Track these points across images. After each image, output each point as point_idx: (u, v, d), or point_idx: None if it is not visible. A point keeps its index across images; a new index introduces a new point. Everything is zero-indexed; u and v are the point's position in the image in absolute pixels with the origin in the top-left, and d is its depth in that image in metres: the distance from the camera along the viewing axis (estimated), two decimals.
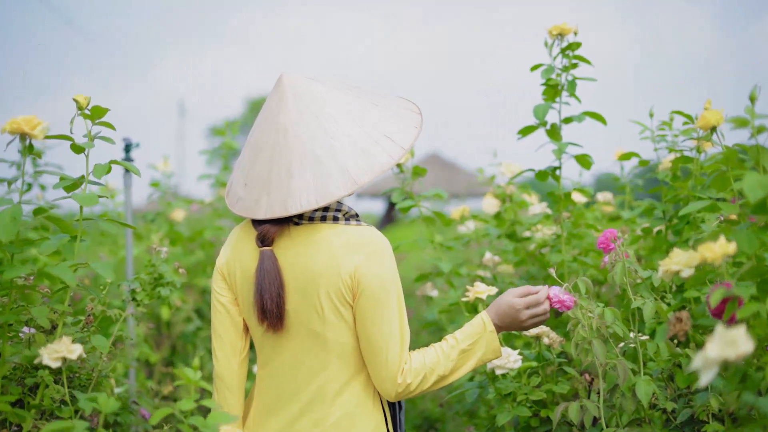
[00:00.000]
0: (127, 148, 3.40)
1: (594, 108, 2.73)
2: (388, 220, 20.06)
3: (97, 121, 2.04)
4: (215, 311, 2.05)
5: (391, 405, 2.07)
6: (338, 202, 1.93)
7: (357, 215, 1.97)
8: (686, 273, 1.59)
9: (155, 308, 4.07)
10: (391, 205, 21.27)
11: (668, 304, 2.30)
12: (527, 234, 3.26)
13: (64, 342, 1.84)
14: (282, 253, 1.92)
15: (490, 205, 3.56)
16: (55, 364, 1.82)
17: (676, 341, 2.40)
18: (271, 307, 1.89)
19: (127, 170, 3.42)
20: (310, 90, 1.92)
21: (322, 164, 1.85)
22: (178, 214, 4.39)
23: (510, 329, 2.03)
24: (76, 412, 2.05)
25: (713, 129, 1.84)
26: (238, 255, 1.99)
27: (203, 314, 4.40)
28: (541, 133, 2.76)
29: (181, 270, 2.54)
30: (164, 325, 4.10)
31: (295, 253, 1.91)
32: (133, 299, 2.45)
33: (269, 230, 1.90)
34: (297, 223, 1.92)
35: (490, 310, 2.01)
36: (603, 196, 3.50)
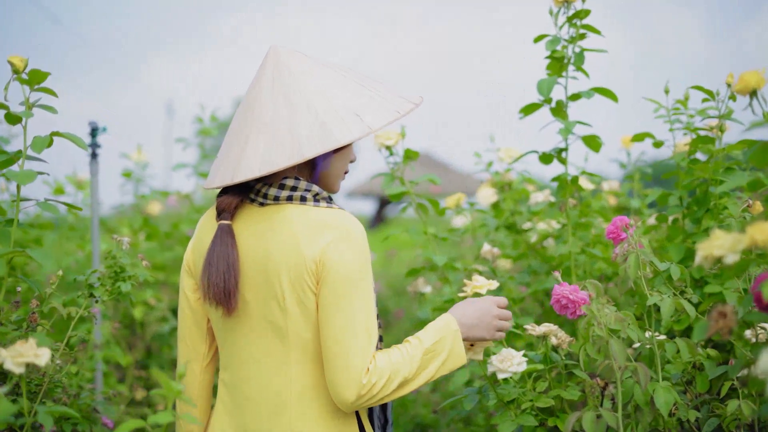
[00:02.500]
0: (94, 132, 3.12)
1: (593, 104, 2.49)
2: (378, 220, 19.81)
3: (36, 86, 1.78)
4: (180, 311, 1.94)
5: (372, 417, 1.86)
6: (307, 182, 1.79)
7: (329, 198, 1.82)
8: (730, 259, 1.33)
9: (129, 307, 3.79)
10: (382, 205, 21.00)
11: (689, 300, 2.05)
12: (528, 225, 3.01)
13: (30, 344, 1.58)
14: (243, 234, 1.79)
15: (486, 196, 3.31)
16: (18, 370, 1.55)
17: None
18: (216, 281, 1.74)
19: (93, 156, 3.16)
20: (290, 61, 1.82)
21: (277, 134, 1.73)
22: (154, 207, 4.11)
23: (474, 330, 1.85)
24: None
25: (753, 93, 1.58)
26: (201, 239, 1.87)
27: None
28: (543, 114, 2.51)
29: (145, 263, 2.27)
30: (138, 325, 3.82)
31: (256, 235, 1.77)
32: (91, 295, 2.18)
33: (224, 201, 1.78)
34: (263, 204, 1.79)
35: (455, 309, 1.86)
36: (608, 185, 3.24)
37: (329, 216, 1.75)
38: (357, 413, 1.81)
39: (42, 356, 1.54)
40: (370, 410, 1.89)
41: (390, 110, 1.79)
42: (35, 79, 1.75)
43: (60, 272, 2.05)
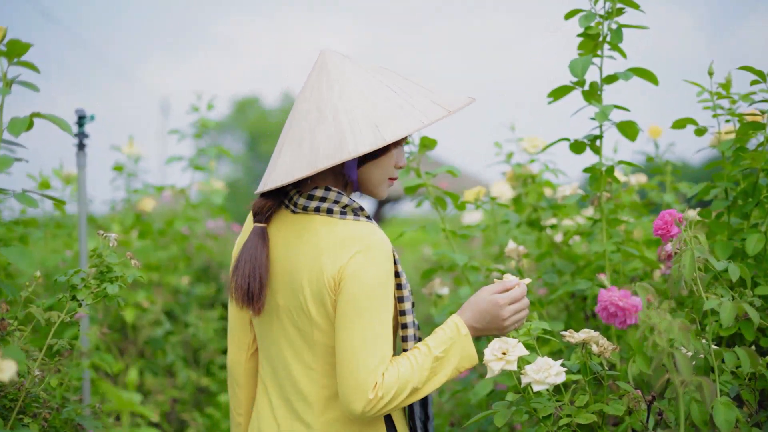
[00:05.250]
0: (81, 120, 2.89)
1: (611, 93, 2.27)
2: (376, 219, 19.56)
3: (15, 60, 1.55)
4: (229, 302, 1.96)
5: (413, 415, 1.86)
6: (338, 192, 1.78)
7: (360, 209, 1.79)
8: None
9: (119, 309, 3.56)
10: (381, 204, 20.75)
11: (752, 304, 1.82)
12: (552, 221, 2.78)
13: None
14: (276, 238, 1.82)
15: (502, 191, 3.08)
16: None
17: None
18: (241, 283, 1.79)
19: (80, 147, 2.93)
20: (332, 68, 1.81)
21: (302, 143, 1.74)
22: (147, 203, 3.87)
23: (486, 331, 1.81)
24: None
25: None
26: (245, 237, 1.90)
27: (176, 316, 3.89)
28: (569, 100, 2.29)
29: (134, 262, 2.04)
30: (130, 328, 3.58)
31: (286, 242, 1.80)
32: (73, 298, 1.95)
33: (257, 204, 1.82)
34: (294, 212, 1.81)
35: (463, 312, 1.81)
36: (636, 178, 3.01)
37: (353, 231, 1.73)
38: (390, 417, 1.81)
39: (6, 370, 1.31)
40: (411, 408, 1.88)
41: (415, 119, 1.74)
42: (14, 51, 1.52)
43: (38, 273, 1.82)
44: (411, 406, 1.88)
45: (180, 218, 3.82)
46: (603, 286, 1.72)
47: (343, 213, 1.77)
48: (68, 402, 2.41)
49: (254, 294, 1.79)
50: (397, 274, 1.80)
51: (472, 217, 4.07)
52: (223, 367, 4.03)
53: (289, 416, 1.82)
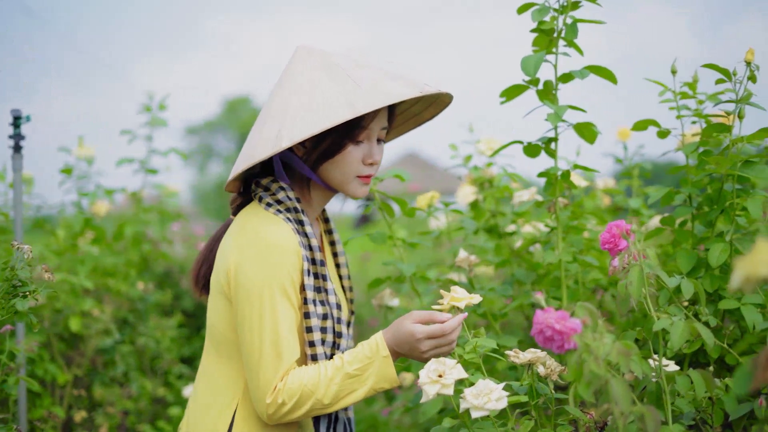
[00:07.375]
0: (16, 121, 2.73)
1: (582, 94, 2.14)
2: (363, 221, 19.35)
3: None
4: None
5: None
6: (280, 187, 1.77)
7: (293, 209, 1.74)
8: None
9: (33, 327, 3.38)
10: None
11: (706, 323, 1.67)
12: (512, 228, 2.63)
13: None
14: None
15: (466, 195, 2.92)
16: None
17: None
18: (194, 268, 1.90)
19: (16, 149, 2.77)
20: (293, 65, 1.79)
21: (245, 145, 1.76)
22: (101, 207, 3.70)
23: (408, 357, 1.74)
24: None
25: None
26: None
27: (131, 324, 3.72)
28: (526, 99, 2.14)
29: (48, 275, 1.89)
30: (79, 339, 3.41)
31: None
32: None
33: (231, 197, 1.88)
34: (252, 198, 1.85)
35: (388, 331, 1.72)
36: (603, 182, 2.87)
37: (257, 225, 1.70)
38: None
39: None
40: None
41: (315, 121, 1.64)
42: None
43: None
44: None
45: (131, 222, 3.66)
46: (540, 306, 1.57)
47: (269, 205, 1.75)
48: None
49: (199, 278, 1.89)
50: (302, 288, 1.67)
51: (440, 221, 3.92)
52: (180, 376, 3.88)
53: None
